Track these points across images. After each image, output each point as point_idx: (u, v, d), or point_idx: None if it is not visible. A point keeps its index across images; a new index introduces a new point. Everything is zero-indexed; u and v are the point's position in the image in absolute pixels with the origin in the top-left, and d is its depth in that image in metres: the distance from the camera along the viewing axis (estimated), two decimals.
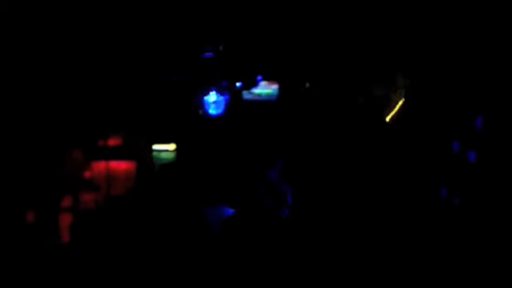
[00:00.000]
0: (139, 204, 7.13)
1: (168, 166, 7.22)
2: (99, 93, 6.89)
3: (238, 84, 7.13)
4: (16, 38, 6.35)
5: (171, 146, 7.16)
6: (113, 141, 7.15)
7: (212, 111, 7.14)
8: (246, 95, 7.25)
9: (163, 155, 7.19)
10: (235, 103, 7.23)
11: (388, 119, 6.66)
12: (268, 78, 7.25)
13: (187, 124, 7.23)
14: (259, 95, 7.28)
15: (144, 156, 7.20)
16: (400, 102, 6.64)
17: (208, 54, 6.94)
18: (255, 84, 7.13)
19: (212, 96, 7.11)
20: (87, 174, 7.10)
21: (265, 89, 7.30)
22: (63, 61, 6.73)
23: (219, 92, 7.09)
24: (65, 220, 6.93)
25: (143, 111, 7.07)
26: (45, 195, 6.86)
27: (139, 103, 7.03)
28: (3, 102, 6.64)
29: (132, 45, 6.72)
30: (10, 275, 6.05)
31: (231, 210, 6.93)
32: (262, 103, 7.35)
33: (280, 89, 7.29)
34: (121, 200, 7.17)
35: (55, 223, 6.86)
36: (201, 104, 7.13)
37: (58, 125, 6.83)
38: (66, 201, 6.98)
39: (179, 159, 7.21)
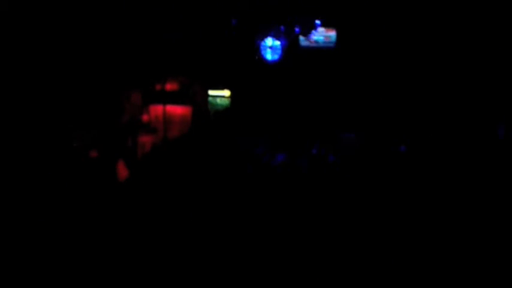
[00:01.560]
0: (194, 149, 7.19)
1: (223, 112, 7.24)
2: (158, 39, 6.95)
3: (295, 29, 7.03)
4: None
5: (227, 92, 7.16)
6: (170, 86, 7.22)
7: (269, 56, 7.10)
8: (303, 41, 7.15)
9: (218, 100, 7.21)
10: (292, 49, 7.15)
11: None
12: (327, 24, 7.12)
13: (244, 69, 7.21)
14: (316, 41, 7.17)
15: (200, 101, 7.24)
16: None
17: None
18: (313, 29, 7.02)
19: (269, 41, 7.05)
20: (145, 117, 7.21)
21: (323, 35, 7.17)
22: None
23: (276, 37, 7.02)
24: (125, 159, 7.06)
25: (200, 56, 7.10)
26: (107, 135, 7.02)
27: (197, 48, 7.05)
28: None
29: None
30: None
31: (281, 156, 6.89)
32: (320, 50, 7.23)
33: (338, 36, 7.14)
34: (177, 143, 7.25)
35: (115, 162, 6.99)
36: (258, 49, 7.08)
37: (118, 68, 6.95)
38: (126, 142, 7.11)
39: (234, 105, 7.21)
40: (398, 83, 7.12)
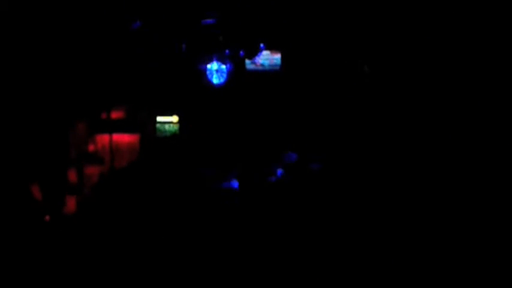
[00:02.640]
0: (143, 177, 7.06)
1: (171, 138, 7.15)
2: (101, 66, 6.83)
3: (240, 52, 7.05)
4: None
5: (174, 118, 7.09)
6: (116, 114, 7.09)
7: (215, 80, 7.08)
8: (248, 65, 7.17)
9: (166, 126, 7.11)
10: (238, 72, 7.15)
11: None
12: (271, 47, 7.18)
13: (190, 94, 7.17)
14: (262, 65, 7.21)
15: (148, 129, 7.13)
16: None
17: (210, 21, 6.88)
18: (257, 52, 7.06)
19: (215, 65, 7.05)
20: (91, 147, 7.04)
21: (268, 58, 7.22)
22: (65, 37, 6.69)
23: (222, 60, 7.02)
24: (71, 193, 6.86)
25: (145, 82, 7.01)
26: (50, 168, 6.80)
27: (141, 75, 6.97)
28: (7, 76, 6.59)
29: (132, 15, 6.67)
30: (16, 249, 5.96)
31: (234, 183, 6.85)
32: (265, 73, 7.27)
33: (283, 59, 7.20)
34: (125, 173, 7.10)
35: (61, 196, 6.78)
36: (204, 73, 7.06)
37: (61, 98, 6.77)
38: (71, 174, 6.91)
39: (182, 130, 7.14)
40: (341, 105, 7.21)
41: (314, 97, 7.29)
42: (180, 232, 6.36)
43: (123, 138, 7.14)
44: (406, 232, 5.90)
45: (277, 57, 7.29)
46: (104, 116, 7.04)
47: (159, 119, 7.12)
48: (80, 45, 6.65)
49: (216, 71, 7.07)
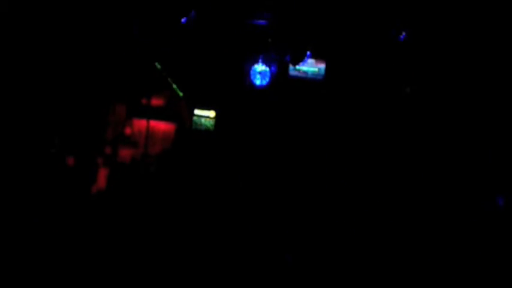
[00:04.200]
0: (173, 166, 7.19)
1: (206, 132, 7.25)
2: (148, 54, 6.96)
3: (286, 57, 7.07)
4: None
5: (212, 113, 7.17)
6: (155, 101, 7.23)
7: (257, 81, 7.12)
8: (292, 71, 7.19)
9: (203, 120, 7.21)
10: (281, 77, 7.18)
11: None
12: (317, 56, 7.17)
13: (231, 92, 7.23)
14: (305, 72, 7.21)
15: (185, 119, 7.24)
16: None
17: (261, 22, 6.91)
18: (303, 59, 7.06)
19: (259, 67, 7.09)
20: (128, 130, 7.20)
21: (312, 67, 7.22)
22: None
23: (267, 62, 7.06)
24: (102, 170, 7.04)
25: (189, 74, 7.11)
26: (87, 144, 6.99)
27: (187, 67, 7.07)
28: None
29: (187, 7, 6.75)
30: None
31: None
32: (308, 81, 7.27)
33: (328, 70, 7.19)
34: (156, 159, 7.25)
35: (94, 171, 6.97)
36: (248, 73, 7.11)
37: (105, 80, 6.94)
38: (106, 153, 7.09)
39: (218, 126, 7.22)
40: (383, 121, 7.17)
41: (353, 111, 7.27)
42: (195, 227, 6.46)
43: (160, 126, 7.28)
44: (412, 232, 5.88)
45: (321, 66, 7.27)
46: (144, 101, 7.18)
47: (197, 112, 7.21)
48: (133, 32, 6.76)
49: (259, 72, 7.10)
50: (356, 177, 6.96)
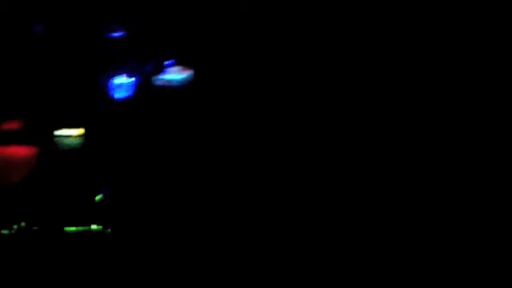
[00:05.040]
0: (38, 192, 6.50)
1: (71, 152, 6.68)
2: None
3: (147, 67, 6.88)
4: None
5: (75, 131, 6.68)
6: (11, 125, 6.64)
7: (120, 94, 6.81)
8: (156, 80, 6.98)
9: (66, 140, 6.67)
10: (144, 87, 6.93)
11: None
12: (182, 63, 7.05)
13: (93, 108, 6.83)
14: (169, 81, 7.02)
15: (46, 141, 6.66)
16: None
17: (116, 34, 6.78)
18: (164, 68, 6.91)
19: (119, 79, 6.82)
20: None
21: (178, 74, 7.06)
22: None
23: (127, 74, 6.82)
24: None
25: (45, 93, 6.68)
26: None
27: (41, 84, 6.66)
28: None
29: (34, 19, 6.51)
30: None
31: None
32: (175, 89, 7.07)
33: (194, 76, 7.06)
34: (19, 188, 6.51)
35: None
36: (108, 87, 6.80)
37: None
38: None
39: (83, 145, 6.70)
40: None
41: (224, 113, 7.07)
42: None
43: (18, 151, 6.61)
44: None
45: (188, 73, 7.13)
46: None
47: (58, 132, 6.67)
48: None
49: (121, 85, 6.81)
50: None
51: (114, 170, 6.66)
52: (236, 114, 7.03)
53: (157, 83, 6.94)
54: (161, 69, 6.94)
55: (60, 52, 6.69)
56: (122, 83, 6.73)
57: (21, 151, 6.60)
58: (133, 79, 6.78)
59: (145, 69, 6.86)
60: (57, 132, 6.67)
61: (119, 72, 6.79)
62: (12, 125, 6.61)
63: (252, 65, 6.91)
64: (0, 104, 6.45)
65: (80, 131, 6.72)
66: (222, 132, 6.91)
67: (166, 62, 6.94)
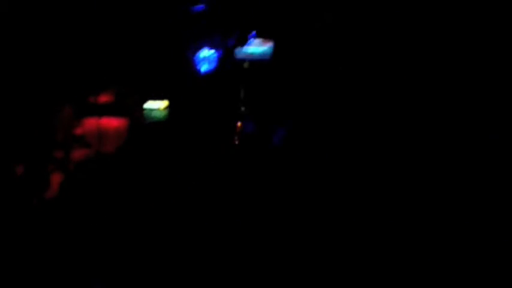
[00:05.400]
0: (130, 162, 6.96)
1: (159, 124, 7.08)
2: (90, 49, 6.92)
3: (230, 40, 7.07)
4: None
5: (163, 104, 7.04)
6: (104, 98, 7.09)
7: (203, 67, 7.07)
8: (238, 53, 7.17)
9: (154, 113, 7.06)
10: (227, 60, 7.14)
11: None
12: (263, 35, 7.18)
13: (179, 81, 7.15)
14: (251, 53, 7.19)
15: (136, 114, 7.09)
16: None
17: (200, 7, 6.96)
18: (247, 41, 7.06)
19: (204, 52, 7.06)
20: (78, 130, 7.00)
21: (259, 47, 7.21)
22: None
23: (211, 47, 7.04)
24: (55, 176, 6.76)
25: (135, 67, 7.04)
26: (36, 150, 6.75)
27: (131, 58, 7.01)
28: None
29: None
30: None
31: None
32: (256, 62, 7.24)
33: (275, 48, 7.18)
34: (111, 157, 7.01)
35: (45, 179, 6.69)
36: (193, 60, 7.07)
37: (49, 81, 6.83)
38: (57, 157, 6.84)
39: (170, 117, 7.07)
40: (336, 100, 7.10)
41: (302, 88, 7.19)
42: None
43: (111, 123, 7.09)
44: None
45: (268, 45, 7.26)
46: (91, 99, 7.03)
47: (147, 104, 7.07)
48: (69, 28, 6.75)
49: (205, 58, 7.06)
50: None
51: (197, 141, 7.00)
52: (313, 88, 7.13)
53: (240, 55, 7.14)
54: (243, 42, 7.11)
55: (150, 27, 6.98)
56: (206, 56, 6.98)
57: (113, 122, 7.08)
58: (216, 52, 7.00)
59: (228, 42, 7.06)
60: (146, 105, 7.06)
61: (202, 46, 7.03)
62: (106, 98, 7.07)
63: (329, 45, 6.95)
64: (94, 79, 6.88)
65: (166, 103, 7.09)
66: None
67: (248, 35, 7.10)
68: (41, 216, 6.38)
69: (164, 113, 7.07)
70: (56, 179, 6.71)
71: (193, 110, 7.08)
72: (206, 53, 7.04)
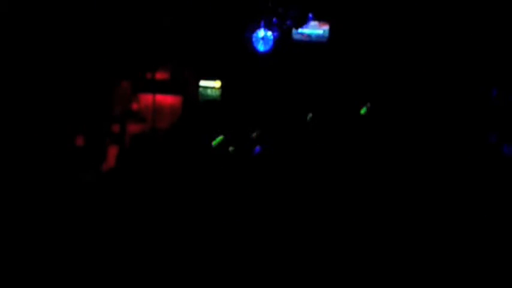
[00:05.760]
0: (182, 138, 7.08)
1: (213, 103, 7.17)
2: (149, 27, 7.02)
3: (288, 21, 7.03)
4: None
5: (217, 83, 7.12)
6: (160, 75, 7.22)
7: (260, 47, 7.08)
8: (295, 34, 7.13)
9: (209, 91, 7.15)
10: (284, 41, 7.12)
11: None
12: (320, 17, 7.11)
13: (235, 60, 7.19)
14: (309, 35, 7.14)
15: (191, 91, 7.20)
16: None
17: None
18: (305, 22, 7.01)
19: (261, 32, 7.05)
20: (134, 105, 7.18)
21: (315, 29, 7.15)
22: None
23: (268, 28, 7.03)
24: (112, 149, 6.99)
25: (191, 45, 7.12)
26: (95, 122, 6.97)
27: (188, 37, 7.09)
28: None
29: None
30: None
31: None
32: (312, 44, 7.19)
33: (331, 31, 7.11)
34: (165, 132, 7.17)
35: (103, 149, 6.92)
36: (250, 40, 7.08)
37: (108, 57, 6.99)
38: (114, 130, 7.06)
39: (224, 96, 7.14)
40: (388, 83, 7.00)
41: (358, 73, 7.12)
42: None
43: (166, 100, 7.23)
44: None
45: (325, 28, 7.19)
46: (148, 76, 7.18)
47: (202, 83, 7.16)
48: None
49: (262, 38, 7.06)
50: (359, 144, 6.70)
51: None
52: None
53: (296, 37, 7.11)
54: (301, 24, 7.08)
55: (204, 8, 7.02)
56: (263, 36, 6.99)
57: (168, 99, 7.23)
58: (273, 33, 6.99)
59: (285, 23, 7.03)
60: (202, 83, 7.16)
61: (260, 26, 7.03)
62: (162, 75, 7.20)
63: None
64: (151, 56, 7.01)
65: (219, 82, 7.17)
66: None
67: (306, 16, 7.06)
68: (97, 187, 6.57)
69: (219, 91, 7.15)
70: (113, 151, 6.91)
71: (247, 90, 7.12)
72: (263, 33, 7.04)
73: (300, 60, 7.22)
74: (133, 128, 7.07)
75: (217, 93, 7.07)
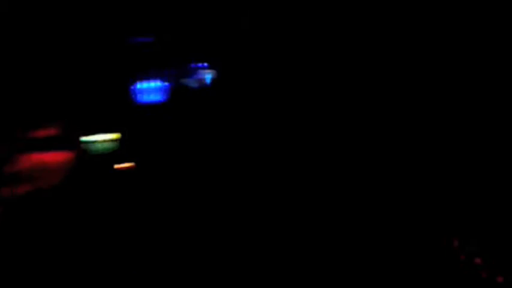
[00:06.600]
0: (76, 198, 6.53)
1: (104, 156, 6.73)
2: (29, 82, 6.59)
3: (176, 70, 6.98)
4: None
5: (109, 136, 6.73)
6: (45, 132, 6.69)
7: (156, 97, 6.90)
8: (189, 82, 7.08)
9: (99, 145, 6.72)
10: (175, 90, 7.01)
11: None
12: (210, 64, 7.15)
13: (125, 113, 6.90)
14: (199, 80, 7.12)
15: (80, 147, 6.71)
16: None
17: (147, 39, 6.87)
18: (193, 70, 7.00)
19: (150, 83, 6.91)
20: (15, 166, 6.51)
21: (205, 75, 7.16)
22: None
23: (158, 78, 6.91)
24: None
25: (79, 98, 6.75)
26: None
27: (75, 90, 6.73)
28: None
29: (67, 25, 6.60)
30: None
31: None
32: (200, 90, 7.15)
33: (218, 76, 7.15)
34: (56, 193, 6.53)
35: None
36: (139, 91, 6.88)
37: None
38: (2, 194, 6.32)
39: (117, 149, 6.75)
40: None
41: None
42: None
43: (55, 157, 6.65)
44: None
45: (208, 74, 7.22)
46: (31, 134, 6.61)
47: (86, 138, 6.73)
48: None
49: (143, 89, 6.89)
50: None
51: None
52: None
53: (194, 85, 7.02)
54: (191, 73, 7.02)
55: (90, 58, 6.76)
56: (145, 87, 6.80)
57: (58, 156, 6.64)
58: (160, 83, 6.84)
59: (174, 72, 6.94)
60: (91, 138, 6.71)
61: (147, 77, 6.86)
62: (49, 132, 6.65)
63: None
64: (36, 112, 6.49)
65: (114, 135, 6.76)
66: None
67: (195, 65, 7.03)
68: None
69: (111, 145, 6.73)
70: None
71: (141, 142, 6.79)
72: (146, 84, 6.86)
73: (189, 107, 7.09)
74: (17, 189, 6.36)
75: (111, 145, 6.64)
